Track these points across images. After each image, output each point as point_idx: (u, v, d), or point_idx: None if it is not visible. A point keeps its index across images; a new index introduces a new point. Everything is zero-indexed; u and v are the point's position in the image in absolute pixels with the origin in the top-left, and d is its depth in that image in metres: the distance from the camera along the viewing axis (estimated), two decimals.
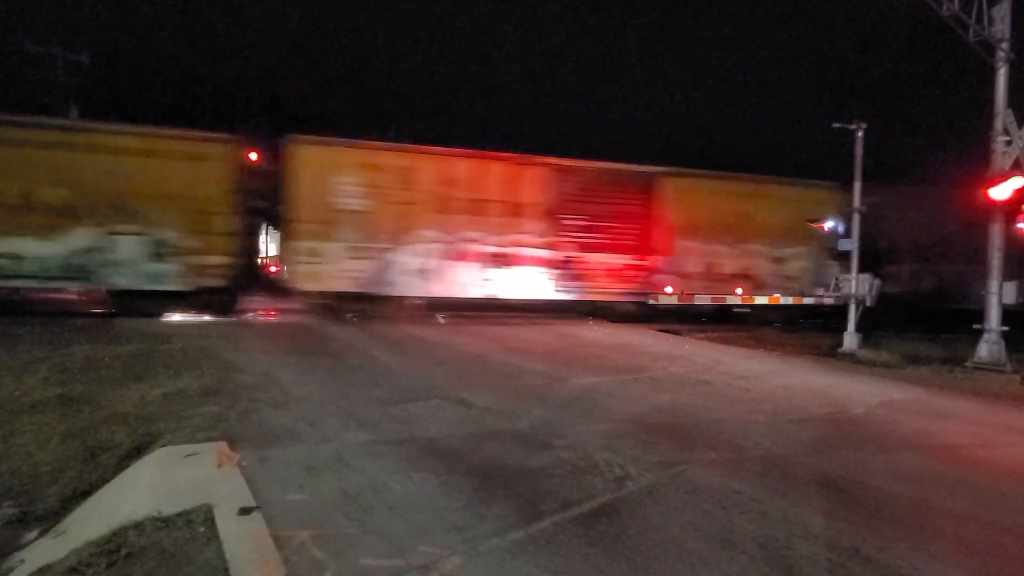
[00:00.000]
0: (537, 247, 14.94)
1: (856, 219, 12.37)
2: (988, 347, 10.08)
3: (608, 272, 15.47)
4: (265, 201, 14.69)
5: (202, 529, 3.18)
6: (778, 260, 16.61)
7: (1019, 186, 9.37)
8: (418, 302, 14.78)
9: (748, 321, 16.89)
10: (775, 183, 16.83)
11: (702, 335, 13.98)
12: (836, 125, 12.27)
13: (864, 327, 12.13)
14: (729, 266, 16.27)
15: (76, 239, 12.51)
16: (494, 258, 14.67)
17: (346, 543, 3.08)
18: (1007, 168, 9.89)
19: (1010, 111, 10.04)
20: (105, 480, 4.27)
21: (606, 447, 4.84)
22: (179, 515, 3.32)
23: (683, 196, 15.90)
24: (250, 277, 14.96)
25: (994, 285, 10.15)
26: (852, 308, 12.09)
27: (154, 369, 7.43)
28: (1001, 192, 9.53)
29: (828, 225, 13.34)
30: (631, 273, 15.67)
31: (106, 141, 12.74)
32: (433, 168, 14.32)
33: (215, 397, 6.07)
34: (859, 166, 12.32)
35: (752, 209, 16.36)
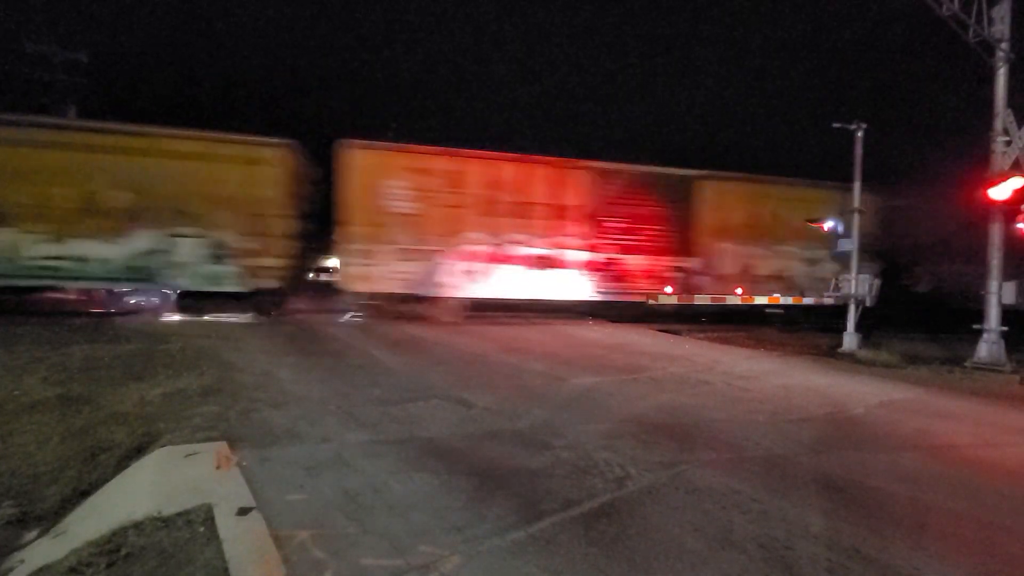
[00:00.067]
0: (579, 249, 15.31)
1: (856, 219, 12.38)
2: (988, 347, 10.08)
3: (648, 274, 15.81)
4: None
5: (202, 529, 3.18)
6: (811, 262, 16.94)
7: (1018, 186, 9.38)
8: (464, 303, 15.02)
9: (774, 321, 17.21)
10: (808, 186, 17.08)
11: (702, 335, 14.00)
12: (836, 125, 12.27)
13: (865, 327, 12.15)
14: (764, 267, 16.60)
15: (139, 241, 12.93)
16: (538, 260, 15.03)
17: (346, 543, 3.08)
18: (1007, 168, 9.91)
19: (1010, 111, 10.05)
20: (105, 480, 4.27)
21: (606, 447, 4.84)
22: (179, 515, 3.32)
23: (720, 199, 16.20)
24: (299, 279, 15.35)
25: (993, 285, 10.16)
26: (852, 308, 12.10)
27: (154, 369, 7.43)
28: (1001, 192, 9.54)
29: (828, 225, 13.39)
30: (670, 275, 16.01)
31: (168, 146, 13.14)
32: (480, 172, 14.68)
33: (215, 397, 6.07)
34: (859, 166, 12.33)
35: (786, 211, 16.61)
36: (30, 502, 4.13)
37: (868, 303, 12.21)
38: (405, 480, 3.98)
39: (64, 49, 24.50)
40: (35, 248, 12.44)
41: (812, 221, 13.91)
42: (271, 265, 13.56)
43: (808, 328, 16.34)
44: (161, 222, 12.99)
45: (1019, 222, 9.98)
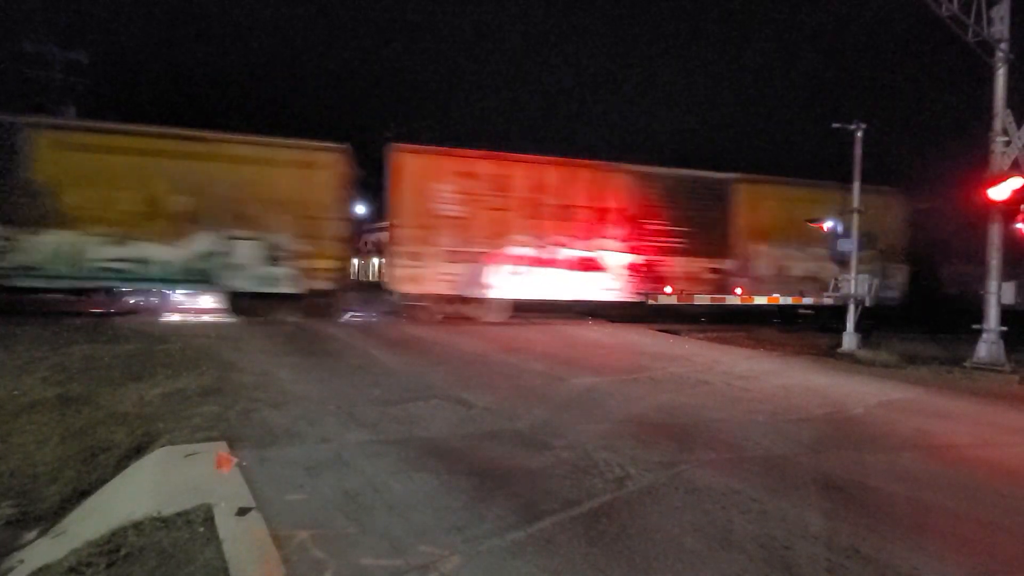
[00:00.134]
0: (620, 251, 15.57)
1: (855, 219, 12.39)
2: (987, 347, 10.09)
3: (686, 275, 16.08)
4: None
5: (202, 529, 3.18)
6: (845, 264, 16.93)
7: (1018, 186, 9.38)
8: (508, 304, 15.29)
9: (799, 322, 17.54)
10: (840, 189, 17.17)
11: (701, 335, 14.00)
12: (836, 125, 12.28)
13: (865, 327, 12.16)
14: (797, 269, 16.86)
15: (198, 244, 13.19)
16: (580, 262, 15.28)
17: (346, 543, 3.08)
18: (1006, 168, 9.91)
19: (1009, 111, 10.05)
20: (104, 480, 4.27)
21: (606, 447, 4.84)
22: (179, 515, 3.32)
23: (755, 201, 16.47)
24: (349, 281, 15.71)
25: (993, 285, 10.17)
26: (851, 308, 12.11)
27: (153, 369, 7.42)
28: (1000, 192, 9.55)
29: (827, 225, 13.41)
30: (708, 276, 16.30)
31: (227, 150, 13.46)
32: (525, 175, 14.94)
33: (214, 397, 6.07)
34: (858, 166, 12.34)
35: (819, 213, 16.75)
36: (30, 502, 4.13)
37: (868, 303, 12.22)
38: (405, 480, 3.98)
39: (64, 49, 24.51)
40: (98, 250, 12.69)
41: (811, 221, 13.94)
42: (324, 267, 13.84)
43: (808, 328, 16.45)
44: (219, 225, 13.28)
45: (1018, 222, 9.99)
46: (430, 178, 14.30)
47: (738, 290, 16.41)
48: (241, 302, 13.78)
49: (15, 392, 6.25)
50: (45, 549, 3.45)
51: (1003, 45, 10.07)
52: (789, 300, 16.89)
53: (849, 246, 12.42)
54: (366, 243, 28.20)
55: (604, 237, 15.44)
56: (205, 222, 13.18)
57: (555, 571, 2.88)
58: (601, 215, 15.41)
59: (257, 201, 13.41)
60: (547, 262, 15.03)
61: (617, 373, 8.47)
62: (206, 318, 13.99)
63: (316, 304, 14.10)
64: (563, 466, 4.37)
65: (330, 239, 13.89)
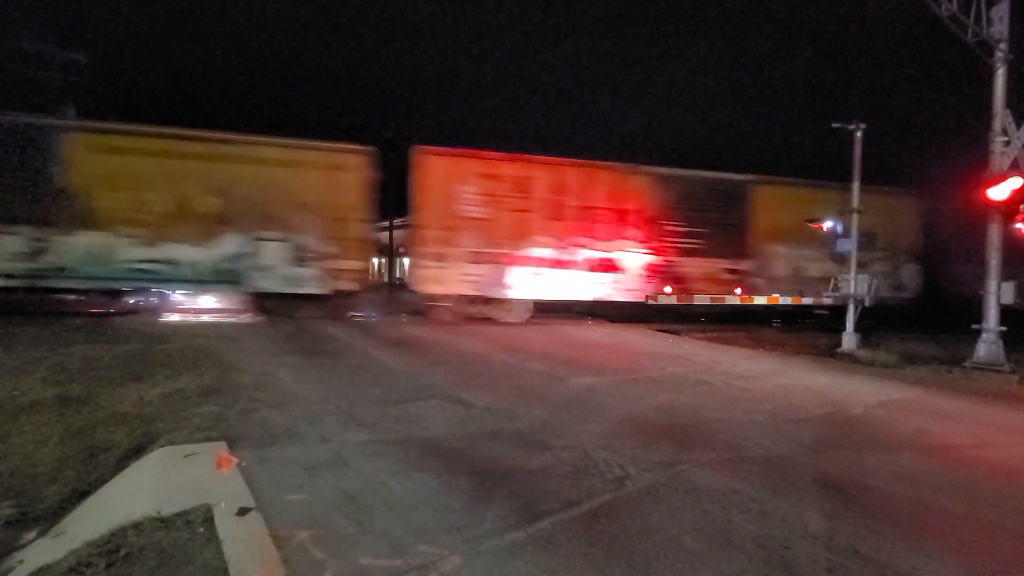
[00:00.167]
0: (639, 252, 15.75)
1: (855, 219, 12.39)
2: (986, 347, 10.09)
3: (705, 276, 16.25)
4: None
5: (201, 529, 3.18)
6: (860, 264, 17.18)
7: (1017, 186, 9.38)
8: (529, 304, 15.45)
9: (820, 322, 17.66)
10: (859, 191, 17.37)
11: (701, 335, 14.01)
12: (835, 125, 12.28)
13: (865, 327, 12.16)
14: (814, 270, 16.95)
15: (226, 245, 13.38)
16: (600, 263, 15.44)
17: (346, 543, 3.08)
18: (1005, 168, 9.90)
19: (1008, 111, 10.05)
20: (104, 480, 4.27)
21: (605, 447, 4.84)
22: (178, 515, 3.32)
23: (773, 203, 16.62)
24: (373, 282, 15.89)
25: (992, 285, 10.17)
26: (850, 308, 12.11)
27: (153, 369, 7.42)
28: (999, 193, 9.54)
29: (827, 225, 13.41)
30: (726, 276, 16.47)
31: (255, 152, 13.63)
32: (546, 177, 15.06)
33: (214, 397, 6.06)
34: (858, 166, 12.34)
35: (836, 215, 16.98)
36: (29, 502, 4.13)
37: (867, 303, 12.23)
38: (405, 480, 3.98)
39: (63, 49, 24.49)
40: (129, 251, 12.86)
41: (811, 221, 13.96)
42: (349, 268, 14.01)
43: (807, 327, 16.50)
44: (247, 226, 13.45)
45: (1018, 222, 9.99)
46: (454, 180, 14.43)
47: (738, 290, 16.48)
48: (267, 302, 14.01)
49: (15, 392, 6.25)
50: (45, 549, 3.45)
51: (1002, 45, 10.08)
52: (809, 300, 17.06)
53: (848, 246, 12.42)
54: None
55: (623, 238, 15.60)
56: (233, 223, 13.36)
57: (555, 571, 2.88)
58: (621, 216, 15.56)
59: (284, 203, 13.60)
60: (567, 263, 15.18)
61: (617, 373, 8.47)
62: (206, 318, 14.01)
63: (340, 304, 14.33)
64: (563, 466, 4.37)
65: (354, 240, 14.08)
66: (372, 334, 11.96)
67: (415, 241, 14.56)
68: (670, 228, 15.91)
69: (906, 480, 4.43)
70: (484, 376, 7.93)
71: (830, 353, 11.49)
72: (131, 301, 14.11)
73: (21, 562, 3.42)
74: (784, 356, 11.08)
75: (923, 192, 17.88)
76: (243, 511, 3.38)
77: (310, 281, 13.80)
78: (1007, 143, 10.03)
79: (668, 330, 14.65)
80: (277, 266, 13.62)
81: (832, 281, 13.31)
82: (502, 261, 14.67)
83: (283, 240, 13.61)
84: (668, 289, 15.89)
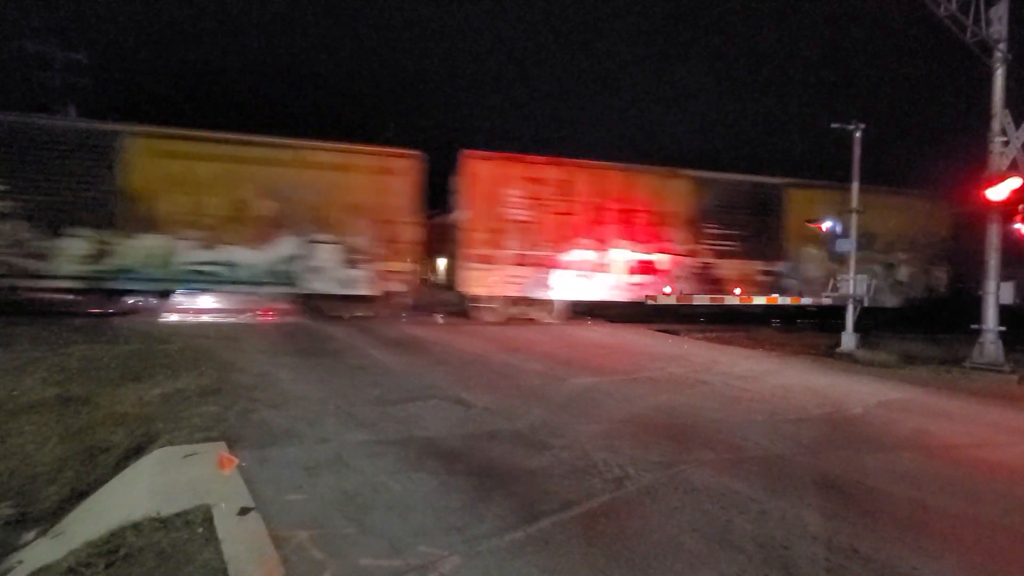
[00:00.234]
0: (677, 254, 16.03)
1: (854, 219, 12.40)
2: (986, 347, 10.10)
3: (741, 278, 16.57)
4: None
5: (200, 530, 3.18)
6: (890, 266, 18.06)
7: (1016, 187, 9.39)
8: (571, 305, 15.80)
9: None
10: (887, 193, 17.83)
11: (700, 335, 14.01)
12: (834, 125, 12.28)
13: (863, 327, 12.16)
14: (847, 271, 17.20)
15: (281, 248, 13.72)
16: (640, 265, 15.78)
17: (345, 543, 3.08)
18: (1004, 169, 9.91)
19: (1007, 112, 10.06)
20: (103, 481, 4.26)
21: (605, 447, 4.85)
22: (177, 515, 3.32)
23: (807, 206, 16.73)
24: (422, 283, 16.43)
25: (991, 285, 10.18)
26: (849, 308, 12.12)
27: (152, 369, 7.42)
28: (998, 193, 9.55)
29: (826, 225, 13.42)
30: (761, 278, 16.78)
31: (309, 157, 13.93)
32: (588, 180, 15.41)
33: (214, 397, 6.06)
34: (857, 167, 12.34)
35: (867, 218, 17.38)
36: (28, 503, 4.13)
37: (866, 303, 12.24)
38: (404, 480, 3.98)
39: (64, 49, 24.48)
40: (188, 254, 13.17)
41: (811, 222, 14.01)
42: (399, 270, 14.35)
43: (806, 328, 16.56)
44: (301, 229, 13.77)
45: (1016, 223, 9.99)
46: (499, 183, 14.76)
47: (737, 290, 16.57)
48: (320, 303, 14.40)
49: (14, 392, 6.25)
50: (44, 550, 3.45)
51: (1001, 45, 10.08)
52: (829, 301, 17.39)
53: (847, 246, 12.43)
54: None
55: (662, 240, 15.93)
56: (288, 226, 13.68)
57: (554, 571, 2.88)
58: (659, 219, 15.90)
59: (336, 206, 13.92)
60: (607, 265, 15.50)
61: (616, 373, 8.47)
62: (205, 318, 14.02)
63: (389, 305, 14.67)
64: (562, 466, 4.37)
65: (405, 243, 14.42)
66: (372, 334, 11.96)
67: (462, 243, 14.83)
68: (707, 231, 16.26)
69: (905, 480, 4.43)
70: (484, 376, 7.93)
71: (829, 353, 11.49)
72: (130, 301, 14.14)
73: (20, 562, 3.42)
74: (783, 356, 11.09)
75: (951, 195, 18.11)
76: (242, 511, 3.38)
77: (361, 282, 14.16)
78: (1006, 143, 10.04)
79: (667, 330, 14.66)
80: (330, 268, 13.96)
81: (831, 281, 13.33)
82: (545, 263, 15.03)
83: (335, 243, 13.96)
84: (668, 289, 15.96)
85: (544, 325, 14.94)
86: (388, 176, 14.27)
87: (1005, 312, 10.35)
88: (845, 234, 12.59)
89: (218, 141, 13.51)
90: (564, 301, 15.51)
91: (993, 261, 10.20)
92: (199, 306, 15.54)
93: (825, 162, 17.36)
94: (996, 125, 10.10)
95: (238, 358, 8.46)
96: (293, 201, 13.65)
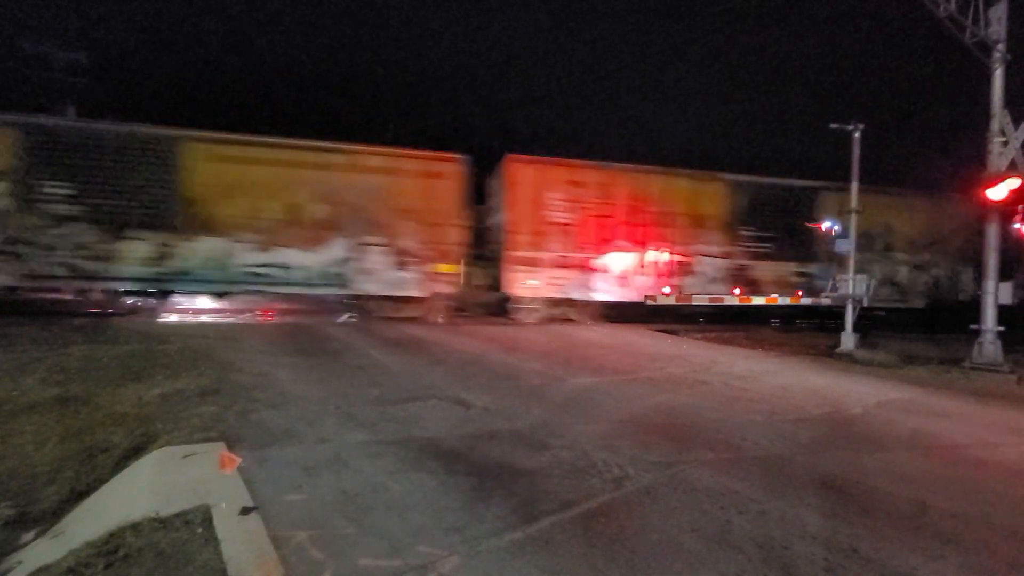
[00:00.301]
0: (715, 256, 16.37)
1: (853, 219, 12.41)
2: (985, 347, 10.11)
3: (775, 279, 16.91)
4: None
5: (200, 530, 3.18)
6: (919, 267, 18.51)
7: (1015, 187, 9.41)
8: (610, 307, 16.11)
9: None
10: (915, 195, 18.25)
11: (699, 335, 14.02)
12: (833, 126, 12.29)
13: (863, 327, 12.18)
14: (876, 273, 17.54)
15: (334, 250, 14.10)
16: (679, 266, 16.13)
17: (344, 543, 3.08)
18: (1003, 169, 9.93)
19: (1006, 112, 10.07)
20: (103, 481, 4.26)
21: (604, 447, 4.85)
22: (177, 516, 3.32)
23: (840, 209, 16.90)
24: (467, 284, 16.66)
25: (990, 285, 10.20)
26: (849, 308, 12.12)
27: (152, 369, 7.42)
28: (997, 193, 9.57)
29: (826, 225, 13.43)
30: (795, 280, 17.16)
31: (361, 161, 14.34)
32: (628, 183, 15.82)
33: (213, 397, 6.06)
34: (856, 167, 12.35)
35: (896, 220, 18.02)
36: (28, 503, 4.13)
37: (865, 303, 12.25)
38: (404, 480, 3.98)
39: (63, 49, 24.46)
40: (244, 256, 13.55)
41: (811, 223, 14.05)
42: (446, 271, 14.79)
43: (806, 328, 16.63)
44: (353, 232, 14.14)
45: (1016, 223, 10.01)
46: (542, 187, 15.11)
47: (736, 290, 16.64)
48: (368, 304, 14.81)
49: (13, 393, 6.25)
50: (43, 550, 3.45)
51: (1000, 46, 10.10)
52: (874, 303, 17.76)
53: (847, 246, 12.44)
54: None
55: (700, 243, 16.28)
56: (341, 229, 14.04)
57: (553, 571, 2.88)
58: (697, 222, 16.23)
59: (386, 209, 14.31)
60: (647, 266, 15.86)
61: (615, 373, 8.47)
62: (204, 318, 14.02)
63: (437, 306, 14.98)
64: (562, 466, 4.37)
65: (452, 245, 14.80)
66: (371, 334, 11.96)
67: (505, 245, 15.15)
68: (743, 233, 16.62)
69: (905, 480, 4.43)
70: (483, 376, 7.93)
71: (829, 353, 11.51)
72: (130, 301, 14.14)
73: (20, 563, 3.42)
74: (783, 356, 11.09)
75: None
76: (242, 511, 3.38)
77: (410, 284, 14.56)
78: (1005, 143, 10.05)
79: (667, 330, 14.68)
80: (380, 270, 14.36)
81: (830, 281, 13.35)
82: (586, 265, 15.37)
83: (385, 245, 14.35)
84: (667, 289, 16.02)
85: (543, 325, 14.95)
86: (436, 179, 14.67)
87: (1004, 312, 10.36)
88: (844, 234, 12.59)
89: (273, 146, 13.88)
90: (605, 302, 15.80)
91: (992, 261, 10.21)
92: (198, 306, 15.55)
93: (825, 162, 17.44)
94: (995, 125, 10.11)
95: (237, 358, 8.46)
96: (345, 204, 14.01)
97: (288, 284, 13.87)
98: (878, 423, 6.19)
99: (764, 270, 16.80)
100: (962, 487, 4.36)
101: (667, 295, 16.02)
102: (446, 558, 2.95)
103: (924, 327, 16.72)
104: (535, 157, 15.27)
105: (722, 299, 16.59)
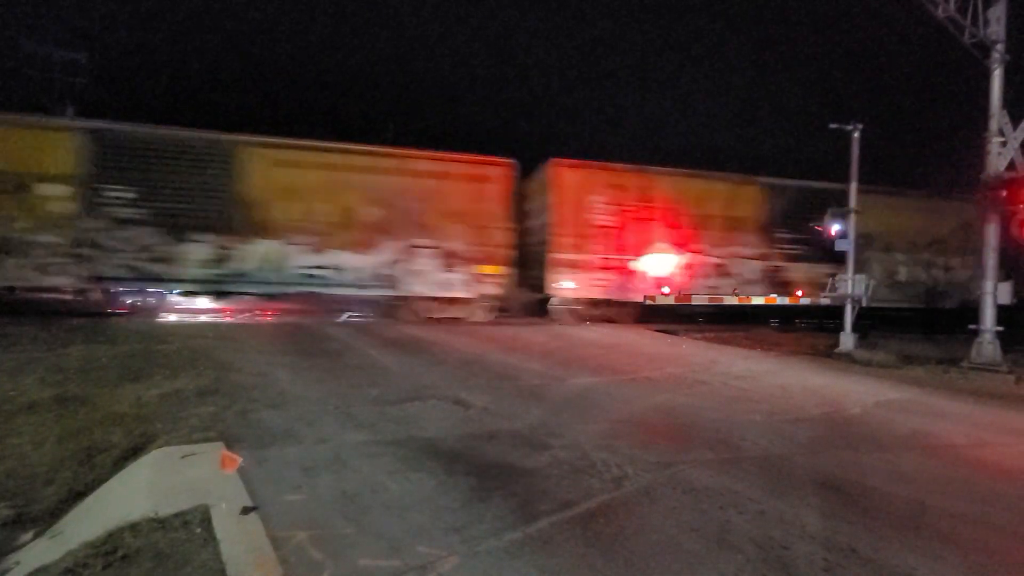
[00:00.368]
0: (750, 258, 16.81)
1: (852, 219, 12.42)
2: (983, 347, 10.12)
3: (808, 280, 17.15)
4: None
5: (199, 530, 3.18)
6: (947, 269, 18.86)
7: (1014, 187, 9.41)
8: (648, 308, 16.31)
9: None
10: (942, 198, 18.50)
11: (699, 335, 14.03)
12: (833, 126, 12.30)
13: (861, 327, 12.18)
14: (904, 273, 18.14)
15: (385, 252, 14.41)
16: (716, 268, 16.42)
17: (344, 543, 3.08)
18: (1002, 169, 9.94)
19: (1005, 112, 10.08)
20: (101, 481, 4.26)
21: (604, 447, 4.85)
22: (176, 516, 3.31)
23: (870, 211, 17.14)
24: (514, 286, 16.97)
25: (989, 285, 10.21)
26: (848, 308, 12.13)
27: (151, 369, 7.41)
28: (996, 193, 9.58)
29: (827, 225, 13.42)
30: (827, 281, 17.04)
31: (411, 165, 14.65)
32: (667, 187, 16.15)
33: (212, 397, 6.06)
34: (855, 167, 12.36)
35: (923, 222, 18.39)
36: (26, 503, 4.12)
37: (864, 303, 12.27)
38: (403, 480, 3.98)
39: (63, 49, 24.41)
40: (299, 258, 13.84)
41: (815, 224, 14.04)
42: (493, 273, 15.07)
43: (805, 328, 16.66)
44: (403, 234, 14.45)
45: (1015, 223, 10.02)
46: (585, 190, 15.38)
47: (736, 291, 16.70)
48: (415, 305, 15.02)
49: (12, 392, 6.24)
50: (41, 550, 3.44)
51: (999, 46, 10.11)
52: (903, 304, 18.13)
53: (846, 246, 12.44)
54: None
55: (736, 245, 16.57)
56: (391, 232, 14.34)
57: (553, 571, 2.88)
58: (733, 224, 16.53)
59: (435, 212, 14.62)
60: (686, 267, 16.10)
61: (615, 373, 8.47)
62: (203, 318, 14.01)
63: (484, 307, 15.25)
64: (561, 466, 4.37)
65: (499, 247, 15.07)
66: (371, 334, 11.95)
67: (550, 247, 15.32)
68: (778, 235, 16.92)
69: (904, 480, 4.43)
70: (482, 376, 7.93)
71: (828, 353, 11.52)
72: (129, 301, 14.13)
73: (18, 563, 3.41)
74: (782, 356, 11.10)
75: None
76: (241, 511, 3.37)
77: (458, 285, 14.84)
78: (1004, 143, 10.06)
79: (666, 330, 14.68)
80: (429, 271, 14.65)
81: (830, 281, 13.37)
82: (627, 267, 15.64)
83: (434, 247, 14.63)
84: (666, 289, 16.06)
85: (543, 325, 14.97)
86: (483, 183, 14.98)
87: (1003, 312, 10.37)
88: (844, 234, 12.59)
89: (326, 150, 14.13)
90: (644, 304, 16.01)
91: (991, 261, 10.22)
92: (197, 306, 15.53)
93: (826, 162, 17.50)
94: (994, 125, 10.12)
95: (236, 358, 8.45)
96: (395, 207, 14.28)
97: (341, 285, 14.14)
98: (877, 423, 6.19)
99: (798, 271, 17.03)
100: (961, 487, 4.36)
101: (666, 295, 16.05)
102: (445, 558, 2.95)
103: (923, 327, 16.71)
104: (579, 161, 15.52)
105: (721, 299, 16.64)
